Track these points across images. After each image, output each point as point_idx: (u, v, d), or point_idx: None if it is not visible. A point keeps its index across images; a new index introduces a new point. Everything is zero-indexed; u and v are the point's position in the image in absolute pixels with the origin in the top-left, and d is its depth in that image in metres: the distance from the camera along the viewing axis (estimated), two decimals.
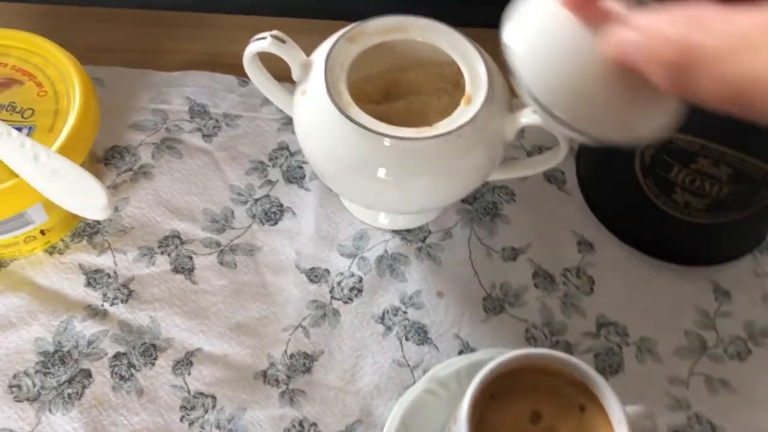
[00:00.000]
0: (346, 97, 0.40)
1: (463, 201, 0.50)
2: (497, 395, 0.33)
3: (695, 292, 0.47)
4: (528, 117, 0.41)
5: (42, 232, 0.44)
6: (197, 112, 0.52)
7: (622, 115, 0.28)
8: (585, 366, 0.33)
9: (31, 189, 0.39)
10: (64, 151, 0.40)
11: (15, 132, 0.40)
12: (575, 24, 0.27)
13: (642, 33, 0.23)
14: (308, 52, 0.43)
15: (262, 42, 0.42)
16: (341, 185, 0.44)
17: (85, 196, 0.38)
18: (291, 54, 0.42)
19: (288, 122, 0.52)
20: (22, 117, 0.42)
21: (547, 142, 0.52)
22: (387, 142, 0.39)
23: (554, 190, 0.51)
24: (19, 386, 0.41)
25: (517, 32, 0.28)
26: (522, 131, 0.52)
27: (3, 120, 0.41)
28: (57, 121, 0.42)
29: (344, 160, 0.41)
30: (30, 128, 0.41)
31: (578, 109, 0.28)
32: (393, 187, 0.42)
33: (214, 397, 0.41)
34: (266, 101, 0.53)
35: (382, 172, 0.41)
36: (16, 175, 0.39)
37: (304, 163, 0.50)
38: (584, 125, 0.28)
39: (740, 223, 0.44)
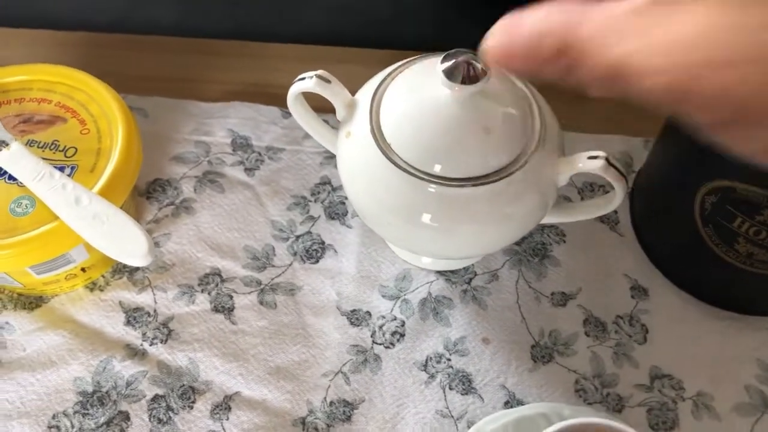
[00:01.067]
0: None
1: None
2: None
3: (757, 343, 0.44)
4: (584, 164, 0.39)
5: (83, 270, 0.44)
6: (240, 144, 0.51)
7: (465, 157, 0.37)
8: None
9: (73, 231, 0.39)
10: (105, 192, 0.40)
11: (57, 173, 0.40)
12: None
13: (498, 34, 0.26)
14: (354, 84, 0.41)
15: (307, 82, 0.41)
16: (384, 229, 0.43)
17: (126, 242, 0.37)
18: (336, 93, 0.41)
19: (330, 156, 0.51)
20: (65, 156, 0.42)
21: (598, 179, 0.50)
22: (432, 188, 0.38)
23: (606, 230, 0.49)
24: (58, 427, 0.41)
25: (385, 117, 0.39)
26: None
27: (46, 159, 0.41)
28: (99, 160, 0.41)
29: (388, 204, 0.40)
30: (72, 168, 0.41)
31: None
32: (438, 234, 0.40)
33: None
34: (309, 134, 0.52)
35: (426, 218, 0.39)
36: (58, 217, 0.39)
37: (347, 198, 0.49)
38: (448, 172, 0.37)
39: None
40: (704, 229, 0.42)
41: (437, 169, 0.38)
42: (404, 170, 0.38)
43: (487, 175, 0.38)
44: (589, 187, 0.50)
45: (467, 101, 0.38)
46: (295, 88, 0.41)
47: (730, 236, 0.41)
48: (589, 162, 0.39)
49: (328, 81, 0.41)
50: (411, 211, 0.39)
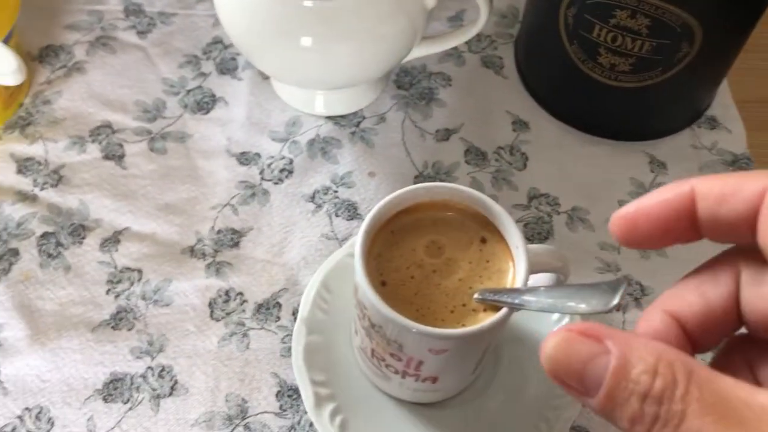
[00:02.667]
0: None
1: (399, 87, 0.49)
2: (397, 231, 0.33)
3: (631, 165, 0.47)
4: None
5: None
6: (132, 11, 0.52)
7: None
8: (486, 198, 0.33)
9: None
10: None
11: None
12: None
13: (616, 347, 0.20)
14: None
15: None
16: (267, 62, 0.44)
17: None
18: None
19: None
20: None
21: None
22: (308, 3, 0.39)
23: (491, 74, 0.50)
24: None
25: None
26: (458, 18, 0.52)
27: None
28: None
29: (265, 32, 0.41)
30: None
31: None
32: (317, 56, 0.41)
33: (140, 271, 0.42)
34: None
35: (306, 41, 0.40)
36: None
37: (237, 54, 0.50)
38: None
39: (668, 87, 0.43)
40: (570, 47, 0.44)
41: None
42: None
43: None
44: (476, 38, 0.52)
45: None
46: None
47: (592, 49, 0.42)
48: None
49: None
50: (289, 34, 0.40)
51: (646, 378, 0.18)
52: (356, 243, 0.31)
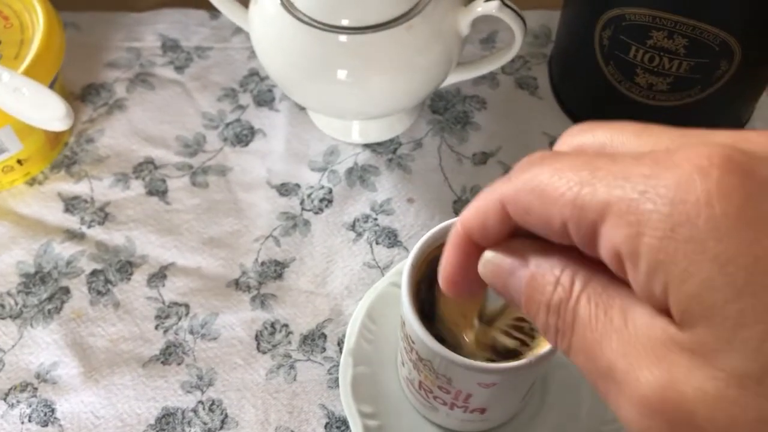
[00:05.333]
0: None
1: (434, 111, 0.50)
2: None
3: None
4: (482, 7, 0.41)
5: (19, 162, 0.45)
6: (169, 46, 0.53)
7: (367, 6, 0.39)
8: None
9: None
10: (29, 72, 0.42)
11: None
12: None
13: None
14: None
15: None
16: (304, 95, 0.44)
17: (46, 109, 0.39)
18: None
19: None
20: None
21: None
22: (343, 38, 0.40)
23: (526, 95, 0.50)
24: (2, 305, 0.43)
25: None
26: (491, 40, 0.52)
27: None
28: (22, 49, 0.43)
29: (302, 66, 0.41)
30: None
31: None
32: (353, 89, 0.42)
33: (187, 306, 0.42)
34: (236, 31, 0.54)
35: (342, 74, 0.41)
36: None
37: (274, 86, 0.51)
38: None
39: (707, 105, 0.43)
40: (607, 68, 0.44)
41: (344, 22, 0.40)
42: (312, 25, 0.40)
43: (389, 22, 0.40)
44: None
45: None
46: None
47: (629, 69, 0.42)
48: (486, 5, 0.41)
49: None
50: (325, 67, 0.41)
51: (549, 289, 0.19)
52: (402, 278, 0.32)
